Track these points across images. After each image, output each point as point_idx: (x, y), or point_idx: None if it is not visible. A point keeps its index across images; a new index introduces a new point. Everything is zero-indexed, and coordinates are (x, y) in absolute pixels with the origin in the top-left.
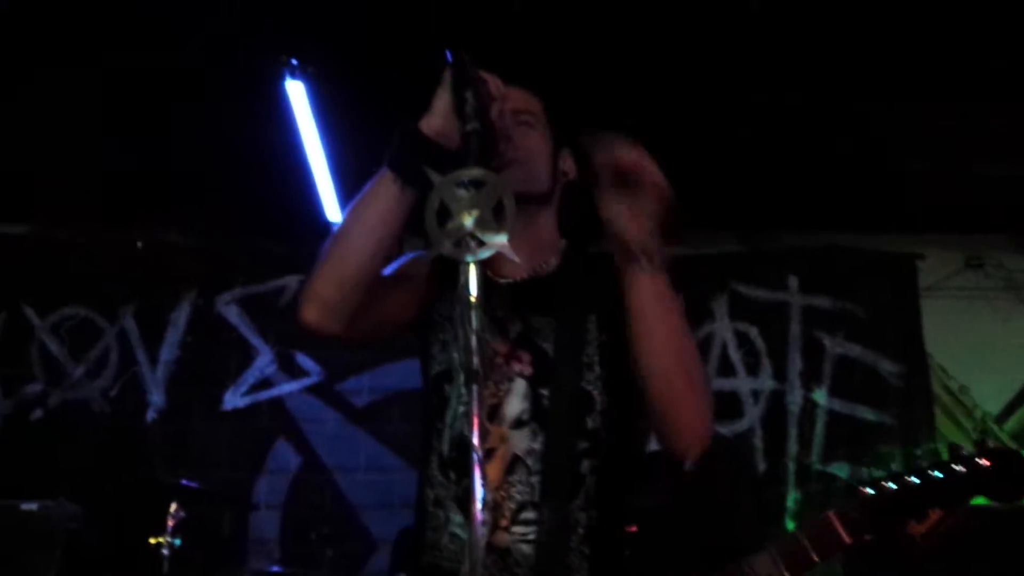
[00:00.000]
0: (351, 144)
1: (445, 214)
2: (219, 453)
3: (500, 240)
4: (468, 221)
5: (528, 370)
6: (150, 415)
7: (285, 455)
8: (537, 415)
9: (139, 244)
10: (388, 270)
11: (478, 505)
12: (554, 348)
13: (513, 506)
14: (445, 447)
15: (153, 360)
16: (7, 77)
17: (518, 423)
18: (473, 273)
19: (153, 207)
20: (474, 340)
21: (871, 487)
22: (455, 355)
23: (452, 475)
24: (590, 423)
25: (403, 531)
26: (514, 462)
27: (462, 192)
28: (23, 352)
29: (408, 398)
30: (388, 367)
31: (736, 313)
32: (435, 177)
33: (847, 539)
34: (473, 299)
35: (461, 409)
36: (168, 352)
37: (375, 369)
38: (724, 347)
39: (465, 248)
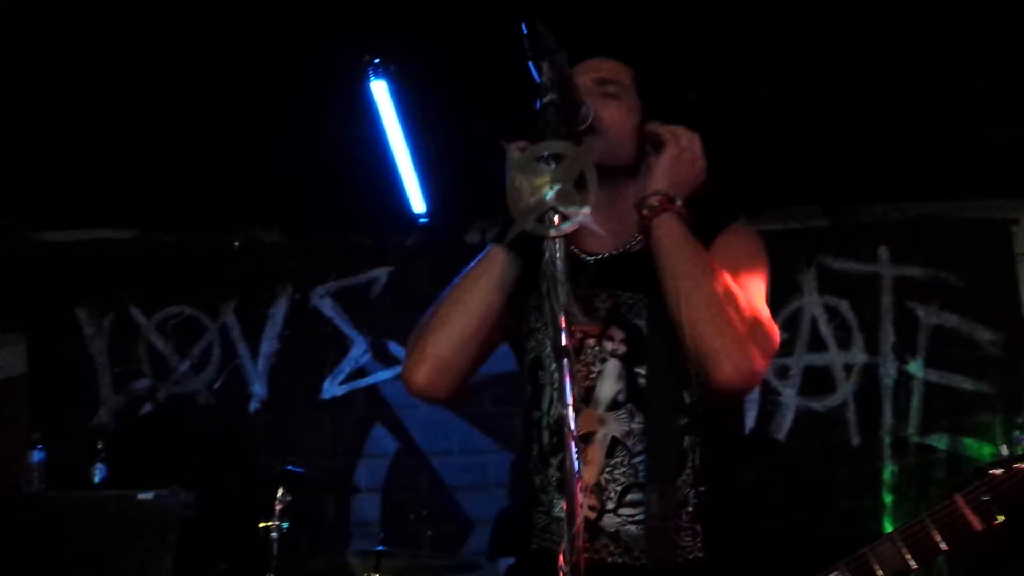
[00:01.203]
0: (433, 138)
1: (527, 190)
2: (320, 440)
3: (583, 213)
4: (549, 195)
5: (621, 348)
6: (253, 406)
7: (383, 440)
8: (633, 395)
9: (236, 244)
10: None
11: (575, 482)
12: (648, 324)
13: (618, 488)
14: (544, 434)
15: (254, 354)
16: (102, 87)
17: (614, 404)
18: (558, 248)
19: (248, 208)
20: (562, 317)
21: (1000, 466)
22: (546, 341)
23: (553, 461)
24: (688, 398)
25: (501, 513)
26: (614, 444)
27: (542, 167)
28: (131, 350)
29: (498, 382)
30: None
31: (825, 287)
32: (515, 154)
33: (978, 526)
34: (559, 275)
35: (555, 394)
36: (268, 346)
37: None
38: (814, 322)
39: (548, 223)
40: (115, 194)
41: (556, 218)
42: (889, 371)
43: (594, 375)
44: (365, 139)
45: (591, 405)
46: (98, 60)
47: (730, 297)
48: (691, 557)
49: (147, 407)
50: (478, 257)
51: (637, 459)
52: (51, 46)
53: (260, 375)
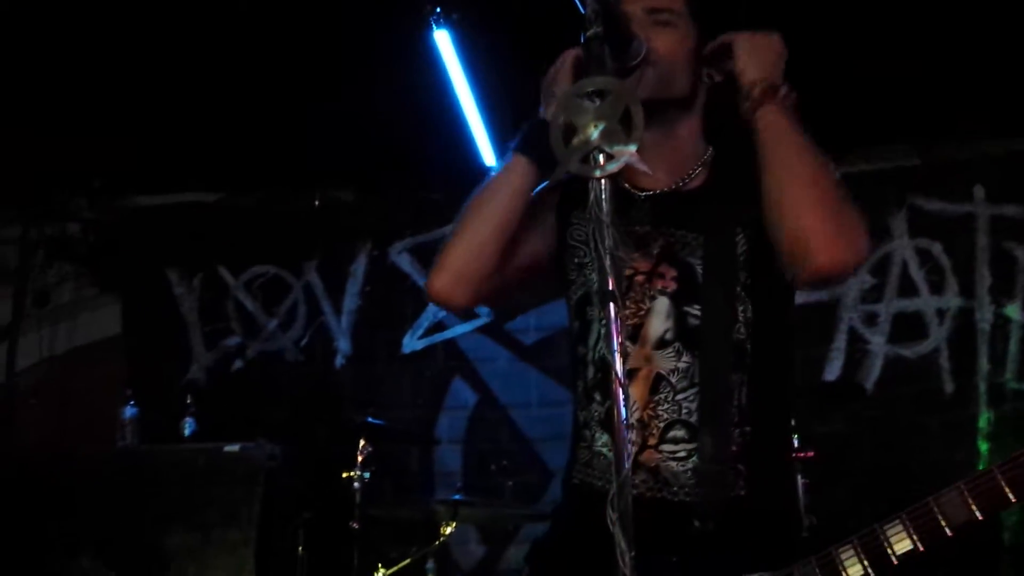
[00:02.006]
0: (500, 88)
1: (570, 129)
2: (402, 393)
3: (629, 151)
4: (594, 134)
5: (672, 286)
6: (338, 361)
7: (462, 393)
8: (682, 334)
9: (316, 203)
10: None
11: (623, 430)
12: (703, 263)
13: (661, 424)
14: (590, 370)
15: (337, 310)
16: (187, 53)
17: (661, 343)
18: (604, 189)
19: (327, 168)
20: (608, 260)
21: None
22: (594, 277)
23: (597, 396)
24: (737, 335)
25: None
26: (658, 381)
27: (586, 104)
28: (221, 309)
29: None
30: (552, 305)
31: (917, 229)
32: (558, 92)
33: None
34: (605, 217)
35: (603, 331)
36: (350, 302)
37: (539, 308)
38: (904, 266)
39: (593, 163)
40: (202, 158)
41: (601, 158)
42: (985, 315)
43: (643, 312)
44: (436, 94)
45: (638, 343)
46: (181, 26)
47: (836, 187)
48: (732, 495)
49: (238, 364)
50: (495, 168)
51: (681, 396)
52: (137, 13)
53: (344, 331)
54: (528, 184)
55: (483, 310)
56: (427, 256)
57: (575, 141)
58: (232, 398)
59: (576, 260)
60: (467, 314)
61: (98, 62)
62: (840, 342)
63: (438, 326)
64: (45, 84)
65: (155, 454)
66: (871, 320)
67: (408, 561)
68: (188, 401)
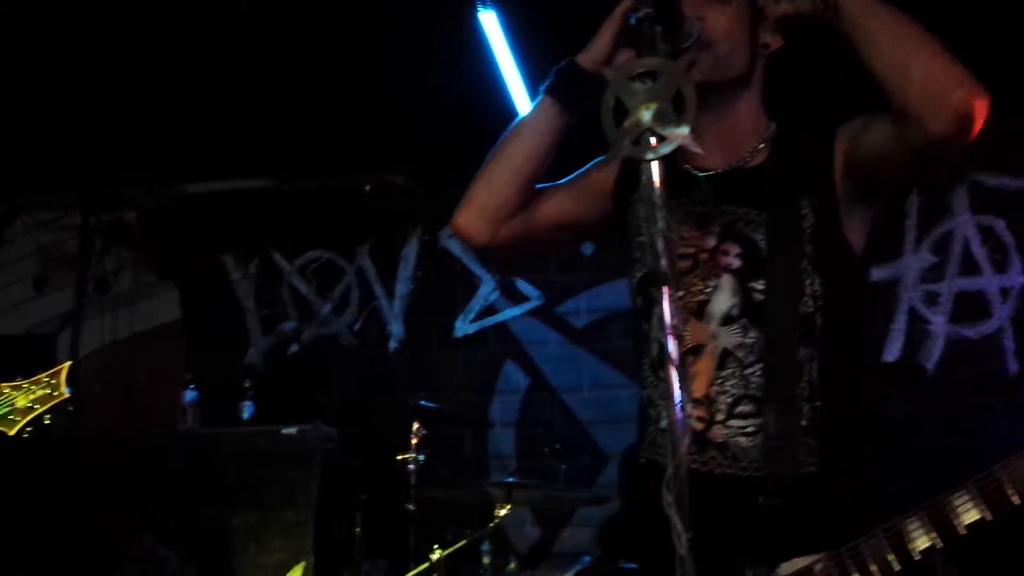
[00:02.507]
0: (547, 68)
1: (622, 112)
2: (455, 377)
3: (682, 133)
4: (646, 116)
5: (736, 263)
6: (391, 344)
7: (514, 376)
8: (748, 310)
9: (367, 188)
10: (565, 179)
11: (677, 411)
12: (766, 239)
13: (729, 400)
14: (654, 347)
15: (390, 294)
16: (237, 44)
17: (727, 319)
18: (656, 171)
19: (377, 153)
20: (660, 242)
21: None
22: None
23: (661, 374)
24: (803, 309)
25: (629, 448)
26: (725, 356)
27: (638, 86)
28: (276, 294)
29: (625, 316)
30: (602, 288)
31: (979, 205)
32: (609, 74)
33: None
34: (657, 198)
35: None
36: (402, 286)
37: (590, 291)
38: (966, 244)
39: (644, 145)
40: (255, 145)
41: (653, 140)
42: None
43: (708, 290)
44: (484, 75)
45: (704, 320)
46: (234, 15)
47: (942, 42)
48: (802, 472)
49: (293, 347)
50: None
51: (748, 371)
52: (192, 2)
53: (396, 315)
54: (552, 124)
55: (534, 293)
56: None
57: (626, 123)
58: (288, 381)
59: (639, 240)
60: (489, 255)
61: (154, 52)
62: (900, 322)
63: (489, 310)
64: (101, 75)
65: (215, 437)
66: (932, 300)
67: (464, 542)
68: (246, 385)
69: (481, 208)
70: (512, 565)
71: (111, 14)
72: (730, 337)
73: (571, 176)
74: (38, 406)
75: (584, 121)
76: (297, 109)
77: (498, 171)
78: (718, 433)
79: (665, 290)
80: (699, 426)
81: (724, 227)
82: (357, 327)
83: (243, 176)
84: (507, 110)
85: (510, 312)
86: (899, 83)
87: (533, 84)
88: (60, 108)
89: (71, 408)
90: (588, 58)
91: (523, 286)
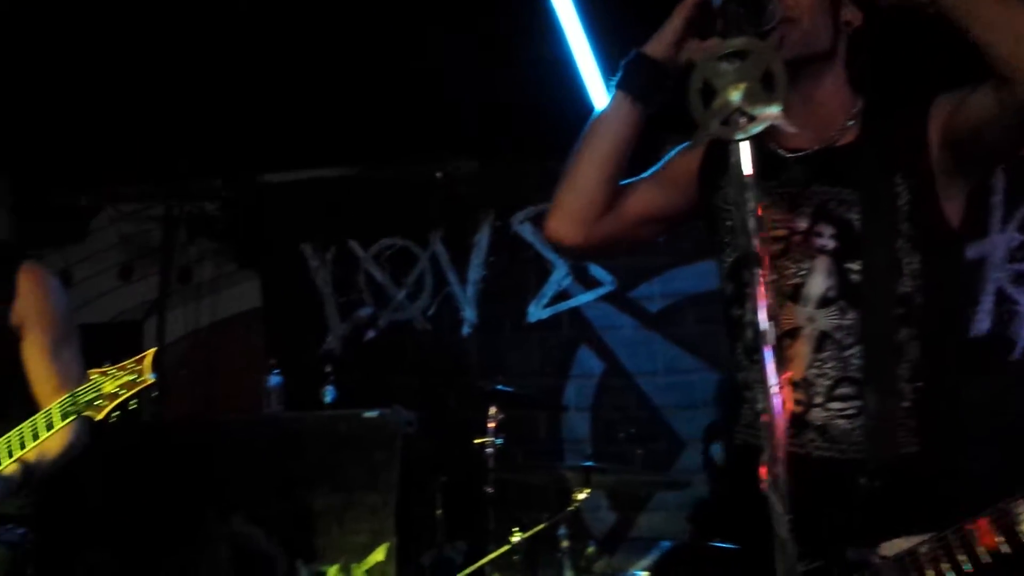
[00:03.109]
0: (621, 49)
1: (710, 93)
2: (529, 362)
3: (772, 112)
4: (735, 96)
5: (831, 244)
6: (465, 330)
7: (588, 361)
8: (845, 291)
9: (439, 175)
10: (647, 173)
11: (774, 394)
12: (861, 218)
13: (828, 382)
14: (748, 332)
15: (463, 280)
16: (313, 36)
17: (824, 302)
18: (746, 151)
19: (449, 140)
20: (752, 222)
21: None
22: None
23: (757, 358)
24: (902, 288)
25: (711, 430)
26: (822, 339)
27: (725, 66)
28: (352, 280)
29: (700, 301)
30: (676, 271)
31: None
32: (696, 55)
33: None
34: (746, 180)
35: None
36: (475, 272)
37: (664, 274)
38: None
39: (734, 126)
40: (329, 135)
41: (742, 120)
42: None
43: (803, 272)
44: (556, 58)
45: (800, 302)
46: (311, 6)
47: None
48: (904, 452)
49: (370, 333)
50: (601, 108)
51: (847, 353)
52: None
53: (470, 300)
54: (629, 119)
55: (607, 278)
56: None
57: (715, 104)
58: (365, 366)
59: (728, 223)
60: (584, 258)
61: (235, 48)
62: (987, 303)
63: (562, 295)
64: (185, 70)
65: (299, 420)
66: (1020, 280)
67: (544, 525)
68: (328, 369)
69: (570, 212)
70: (591, 549)
71: (193, 5)
72: (827, 319)
73: (652, 169)
74: (124, 391)
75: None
76: (371, 99)
77: (581, 173)
78: (817, 416)
79: (759, 271)
80: (798, 409)
81: (817, 208)
82: (431, 313)
83: (319, 166)
84: (580, 94)
85: (583, 297)
86: (999, 40)
87: (607, 66)
88: (144, 103)
89: (156, 393)
90: (658, 47)
91: (596, 271)
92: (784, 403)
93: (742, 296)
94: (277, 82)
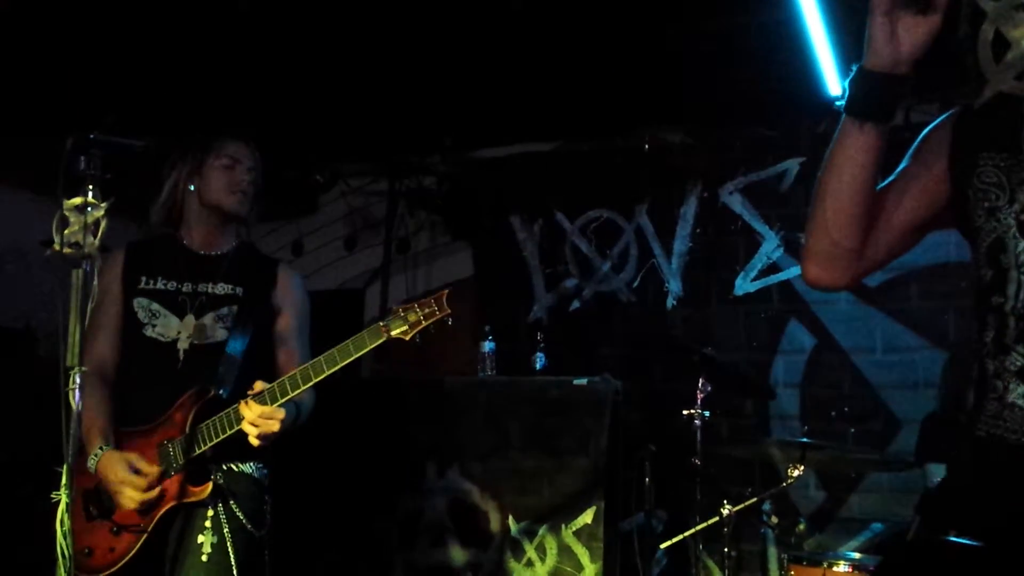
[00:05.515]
0: (849, 7)
1: (1002, 44)
2: (735, 335)
3: None
4: None
5: None
6: (670, 302)
7: (799, 336)
8: None
9: (646, 146)
10: (895, 175)
11: None
12: None
13: None
14: (1009, 320)
15: (668, 252)
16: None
17: None
18: None
19: (655, 110)
20: None
21: None
22: (1009, 221)
23: (1018, 347)
24: None
25: (930, 416)
26: None
27: (1023, 15)
28: (559, 252)
29: (925, 275)
30: None
31: None
32: (986, 4)
33: None
34: None
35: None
36: (680, 244)
37: None
38: None
39: None
40: (537, 109)
41: None
42: None
43: None
44: (769, 23)
45: None
46: None
47: None
48: None
49: (575, 304)
50: (834, 136)
51: None
52: None
53: (674, 273)
54: (867, 144)
55: None
56: (760, 196)
57: (1008, 56)
58: (570, 336)
59: (987, 205)
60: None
61: (448, 34)
62: None
63: (773, 268)
64: (402, 58)
65: (513, 384)
66: None
67: (755, 500)
68: (538, 337)
69: (828, 257)
70: (802, 526)
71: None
72: None
73: (900, 168)
74: (424, 321)
75: None
76: (578, 72)
77: (830, 216)
78: None
79: None
80: None
81: None
82: (635, 284)
83: (528, 140)
84: (799, 55)
85: (795, 270)
86: None
87: (832, 21)
88: (371, 88)
89: (450, 322)
90: (878, 59)
91: None
92: None
93: (1001, 282)
94: (491, 62)
